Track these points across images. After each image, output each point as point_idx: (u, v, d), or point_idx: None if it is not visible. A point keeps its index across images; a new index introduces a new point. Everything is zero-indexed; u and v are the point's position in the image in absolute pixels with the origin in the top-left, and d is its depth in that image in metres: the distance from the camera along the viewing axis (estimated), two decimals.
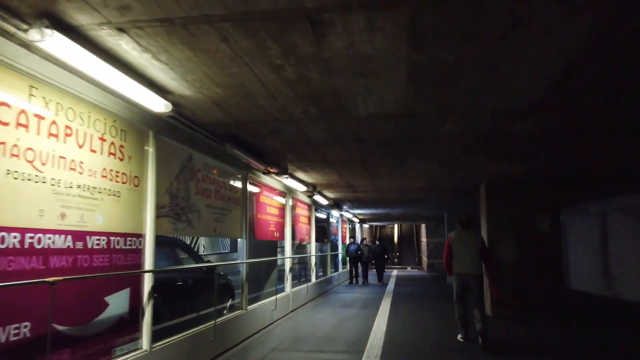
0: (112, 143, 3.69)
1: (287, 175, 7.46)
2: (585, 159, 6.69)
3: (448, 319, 6.59)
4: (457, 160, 6.76)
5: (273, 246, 10.37)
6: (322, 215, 14.61)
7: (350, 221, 20.65)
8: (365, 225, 27.11)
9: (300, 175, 8.10)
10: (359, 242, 16.21)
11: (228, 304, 7.18)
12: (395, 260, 29.18)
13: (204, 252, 19.69)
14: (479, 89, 3.65)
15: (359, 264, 15.77)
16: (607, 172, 7.77)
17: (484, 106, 4.12)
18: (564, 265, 9.67)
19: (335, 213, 15.61)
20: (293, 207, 9.83)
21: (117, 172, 3.74)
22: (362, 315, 8.49)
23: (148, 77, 3.37)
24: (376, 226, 31.33)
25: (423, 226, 25.50)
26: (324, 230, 15.26)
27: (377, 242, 17.09)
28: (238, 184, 6.49)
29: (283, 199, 9.00)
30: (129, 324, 3.89)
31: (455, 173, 7.91)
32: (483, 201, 8.99)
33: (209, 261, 8.39)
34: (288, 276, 9.00)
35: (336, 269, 16.35)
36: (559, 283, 8.38)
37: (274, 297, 7.70)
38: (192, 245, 18.73)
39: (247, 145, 5.58)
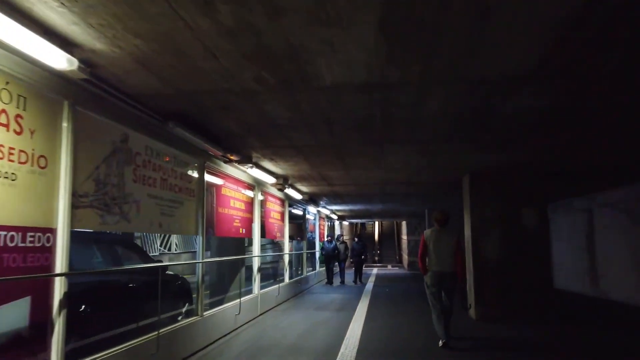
0: (4, 111, 2.87)
1: (251, 165, 6.65)
2: (579, 147, 6.08)
3: (429, 322, 5.99)
4: (440, 148, 6.09)
5: (241, 244, 9.55)
6: (298, 212, 13.84)
7: (329, 218, 19.93)
8: (345, 223, 26.43)
9: (267, 164, 7.31)
10: (336, 239, 15.32)
11: (184, 309, 6.37)
12: (376, 258, 28.64)
13: (176, 250, 18.71)
14: (465, 44, 2.93)
15: (337, 262, 14.95)
16: (601, 163, 7.21)
17: (471, 72, 3.41)
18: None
19: (312, 209, 14.84)
20: (263, 202, 9.05)
21: (11, 148, 2.91)
22: (337, 318, 7.78)
23: (39, 20, 2.55)
24: (356, 223, 30.73)
25: (404, 223, 25.02)
26: (299, 228, 14.49)
27: (356, 240, 16.31)
28: (193, 173, 5.68)
29: (251, 192, 8.21)
30: (30, 342, 3.08)
31: (437, 163, 7.24)
32: (466, 195, 8.38)
33: (159, 261, 7.54)
34: (256, 276, 8.22)
35: (313, 268, 15.58)
36: (546, 282, 7.84)
37: (238, 300, 6.92)
38: (164, 244, 17.79)
39: (197, 126, 4.77)
